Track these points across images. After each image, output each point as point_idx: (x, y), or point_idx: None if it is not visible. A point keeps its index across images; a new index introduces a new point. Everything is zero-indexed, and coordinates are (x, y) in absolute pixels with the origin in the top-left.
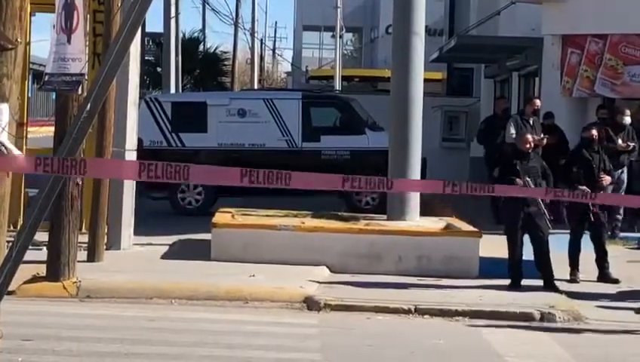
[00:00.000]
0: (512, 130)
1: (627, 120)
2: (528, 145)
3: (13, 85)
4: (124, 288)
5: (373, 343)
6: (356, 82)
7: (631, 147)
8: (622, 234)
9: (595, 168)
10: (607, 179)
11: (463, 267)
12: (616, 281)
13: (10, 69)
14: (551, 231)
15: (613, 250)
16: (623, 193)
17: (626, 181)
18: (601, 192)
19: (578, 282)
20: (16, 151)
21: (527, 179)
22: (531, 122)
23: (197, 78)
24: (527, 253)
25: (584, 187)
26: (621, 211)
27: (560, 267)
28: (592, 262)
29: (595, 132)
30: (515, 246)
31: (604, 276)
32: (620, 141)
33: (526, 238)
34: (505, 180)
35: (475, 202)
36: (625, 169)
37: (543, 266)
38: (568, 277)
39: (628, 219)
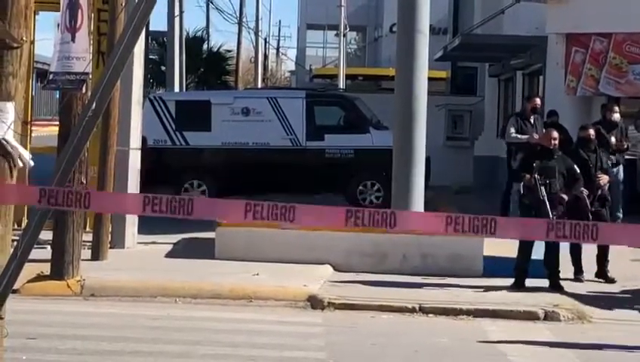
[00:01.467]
0: (512, 130)
1: (617, 116)
2: (552, 142)
3: (18, 84)
4: (128, 287)
5: (377, 342)
6: (360, 81)
7: (625, 146)
8: None
9: (592, 167)
10: (604, 179)
11: (467, 266)
12: (612, 281)
13: (16, 68)
14: None
15: (618, 248)
16: (620, 191)
17: (622, 178)
18: (599, 192)
19: (582, 281)
20: (22, 150)
21: (537, 176)
22: (532, 120)
23: (201, 77)
24: (535, 251)
25: (584, 190)
26: (620, 209)
27: (566, 267)
28: (593, 261)
29: (592, 131)
30: (524, 244)
31: (601, 273)
32: (613, 139)
33: None
34: (518, 175)
35: (480, 201)
36: (621, 167)
37: (550, 265)
38: (572, 277)
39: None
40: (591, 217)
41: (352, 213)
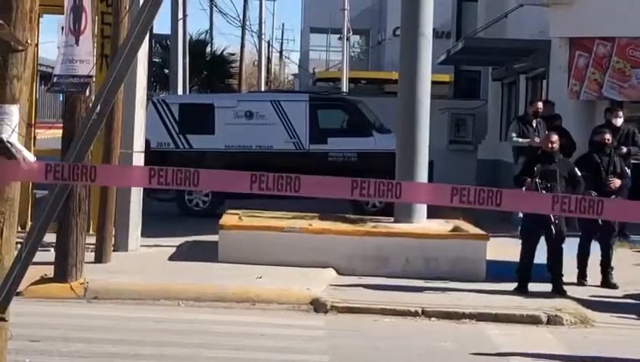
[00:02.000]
0: (514, 134)
1: (619, 121)
2: (551, 146)
3: (23, 86)
4: (132, 289)
5: (379, 345)
6: (363, 84)
7: (624, 151)
8: (632, 237)
9: (603, 171)
10: (616, 183)
11: (470, 269)
12: (614, 286)
13: (21, 71)
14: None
15: (621, 253)
16: (626, 192)
17: (629, 182)
18: (613, 197)
19: (585, 285)
20: (26, 153)
21: (538, 181)
22: (534, 124)
23: (204, 80)
24: (538, 256)
25: (593, 192)
26: None
27: (570, 271)
28: (597, 266)
29: (607, 135)
30: (527, 248)
31: (605, 281)
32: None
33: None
34: (519, 179)
35: None
36: (628, 170)
37: (553, 269)
38: (576, 281)
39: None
40: (600, 221)
41: (358, 184)
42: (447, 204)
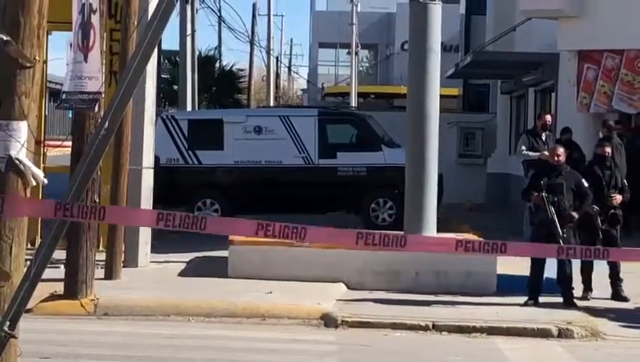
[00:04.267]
0: (523, 147)
1: (600, 134)
2: (557, 158)
3: (31, 103)
4: (142, 305)
5: (390, 360)
6: (372, 99)
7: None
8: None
9: (604, 185)
10: (617, 199)
11: (480, 283)
12: (625, 299)
13: (29, 87)
14: None
15: (631, 265)
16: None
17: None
18: (612, 210)
19: (589, 300)
20: (35, 169)
21: (545, 195)
22: (543, 137)
23: (213, 96)
24: (549, 270)
25: (595, 207)
26: None
27: (581, 284)
28: (607, 279)
29: (608, 148)
30: (536, 262)
31: (616, 294)
32: None
33: None
34: (527, 193)
35: (493, 218)
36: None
37: (563, 282)
38: (580, 295)
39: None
40: (601, 235)
41: (363, 235)
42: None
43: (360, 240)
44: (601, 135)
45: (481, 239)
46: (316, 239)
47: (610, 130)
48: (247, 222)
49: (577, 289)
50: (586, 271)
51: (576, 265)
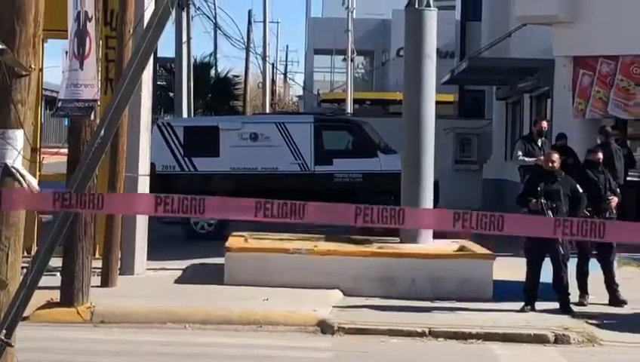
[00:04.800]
0: (519, 153)
1: (598, 141)
2: (551, 164)
3: (27, 111)
4: (138, 313)
5: None
6: (368, 105)
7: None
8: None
9: (601, 189)
10: (614, 200)
11: (476, 289)
12: (623, 303)
13: (25, 96)
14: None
15: (628, 271)
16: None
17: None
18: (608, 214)
19: (585, 305)
20: (30, 178)
21: (543, 201)
22: (539, 143)
23: (209, 103)
24: (545, 275)
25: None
26: None
27: (577, 289)
28: (603, 284)
29: (600, 155)
30: (532, 267)
31: (613, 298)
32: None
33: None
34: (523, 199)
35: None
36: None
37: (559, 288)
38: (577, 300)
39: None
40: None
41: (362, 211)
42: (450, 229)
43: (359, 216)
44: (599, 141)
45: (478, 212)
46: (315, 218)
47: (607, 136)
48: (245, 202)
49: (574, 294)
50: (581, 276)
51: (571, 270)
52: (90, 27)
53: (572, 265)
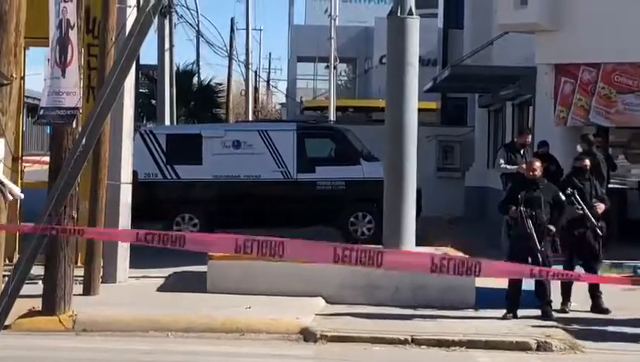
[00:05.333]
0: (502, 160)
1: (578, 148)
2: (532, 173)
3: (8, 120)
4: (121, 321)
5: None
6: (350, 113)
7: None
8: (617, 262)
9: (587, 195)
10: (600, 207)
11: (459, 297)
12: (606, 311)
13: (6, 105)
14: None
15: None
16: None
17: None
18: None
19: (567, 312)
20: (12, 186)
21: (522, 208)
22: (522, 151)
23: (191, 110)
24: (527, 283)
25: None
26: None
27: (559, 297)
28: (586, 291)
29: (587, 161)
30: None
31: (596, 306)
32: None
33: None
34: (505, 206)
35: (471, 231)
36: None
37: (541, 295)
38: (559, 307)
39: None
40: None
41: (341, 250)
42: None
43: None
44: (580, 149)
45: (455, 258)
46: (294, 254)
47: (590, 144)
48: (226, 238)
49: (556, 301)
50: (565, 283)
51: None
52: (73, 35)
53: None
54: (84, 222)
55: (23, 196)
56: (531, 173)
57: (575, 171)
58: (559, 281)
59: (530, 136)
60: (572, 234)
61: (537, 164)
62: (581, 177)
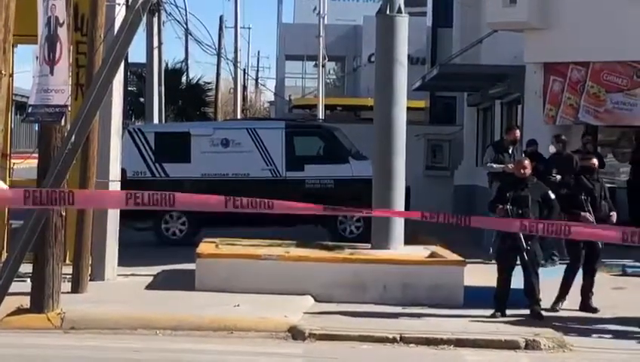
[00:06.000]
0: (488, 160)
1: (552, 148)
2: (523, 171)
3: None
4: (109, 319)
5: None
6: (339, 111)
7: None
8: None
9: (597, 197)
10: (614, 216)
11: (448, 295)
12: (595, 310)
13: None
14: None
15: (599, 277)
16: None
17: None
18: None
19: (557, 311)
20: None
21: (509, 207)
22: (510, 151)
23: (180, 109)
24: (516, 281)
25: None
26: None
27: (548, 295)
28: (574, 290)
29: (595, 160)
30: (503, 273)
31: (585, 306)
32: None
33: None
34: (492, 205)
35: (460, 230)
36: None
37: (530, 294)
38: (550, 306)
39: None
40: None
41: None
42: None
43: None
44: (553, 149)
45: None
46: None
47: (564, 144)
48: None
49: (546, 300)
50: (565, 283)
51: (549, 277)
52: (61, 32)
53: (550, 271)
54: (73, 220)
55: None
56: (521, 172)
57: (583, 170)
58: (561, 279)
59: (518, 132)
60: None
61: (527, 162)
62: (591, 178)
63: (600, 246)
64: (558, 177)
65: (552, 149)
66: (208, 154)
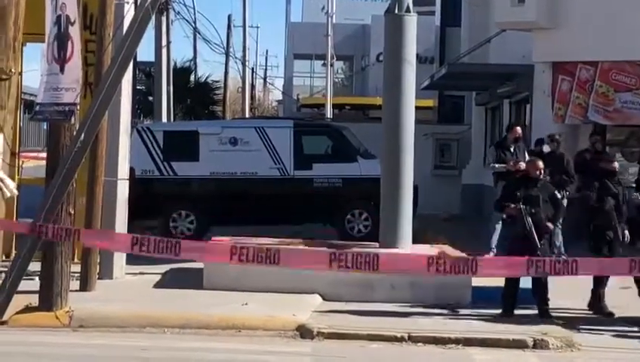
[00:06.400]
0: (490, 159)
1: (545, 148)
2: (538, 171)
3: (7, 115)
4: (117, 317)
5: None
6: (347, 110)
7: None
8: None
9: (620, 201)
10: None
11: (455, 295)
12: (610, 315)
13: (5, 100)
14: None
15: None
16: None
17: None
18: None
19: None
20: (9, 181)
21: (522, 206)
22: (512, 149)
23: (188, 107)
24: (524, 280)
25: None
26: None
27: (556, 294)
28: (585, 288)
29: (616, 164)
30: None
31: (594, 304)
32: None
33: None
34: (501, 204)
35: (468, 229)
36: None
37: (538, 293)
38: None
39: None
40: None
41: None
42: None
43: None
44: (548, 148)
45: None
46: (290, 263)
47: (558, 144)
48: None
49: (553, 299)
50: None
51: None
52: (73, 31)
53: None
54: (81, 218)
55: (17, 193)
56: (537, 173)
57: (605, 173)
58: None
59: (520, 129)
60: (603, 237)
61: (540, 163)
62: (614, 181)
63: (619, 246)
64: (548, 178)
65: (547, 149)
66: (217, 152)
